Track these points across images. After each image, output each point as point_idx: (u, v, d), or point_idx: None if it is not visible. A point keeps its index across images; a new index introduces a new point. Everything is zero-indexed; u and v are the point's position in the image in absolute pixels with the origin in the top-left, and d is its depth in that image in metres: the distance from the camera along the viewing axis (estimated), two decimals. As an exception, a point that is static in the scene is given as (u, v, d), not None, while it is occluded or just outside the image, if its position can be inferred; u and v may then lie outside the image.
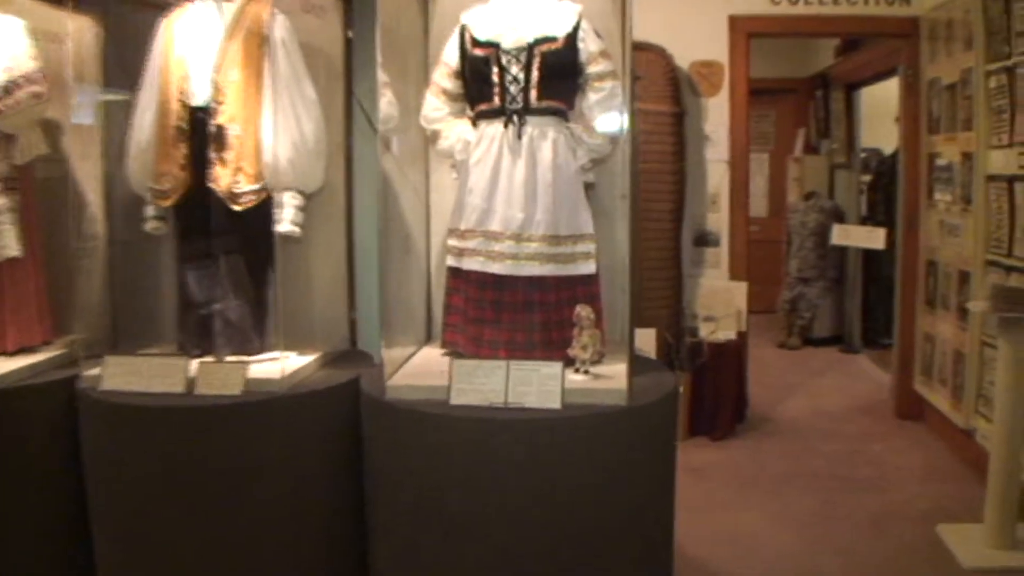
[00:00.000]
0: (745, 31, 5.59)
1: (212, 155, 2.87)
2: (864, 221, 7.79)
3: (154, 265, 3.21)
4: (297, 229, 2.95)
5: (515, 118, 2.77)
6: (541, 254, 2.75)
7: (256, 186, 2.89)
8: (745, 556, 3.87)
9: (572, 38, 2.80)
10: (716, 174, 5.66)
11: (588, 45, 2.81)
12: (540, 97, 2.78)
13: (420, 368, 2.88)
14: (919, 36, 5.59)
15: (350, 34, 3.32)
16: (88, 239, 3.31)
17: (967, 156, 4.87)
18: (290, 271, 3.07)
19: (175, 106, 2.90)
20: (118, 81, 3.14)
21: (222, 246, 2.99)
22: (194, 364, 2.80)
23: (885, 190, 7.56)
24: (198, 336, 3.01)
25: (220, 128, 2.86)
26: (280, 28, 2.94)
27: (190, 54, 2.92)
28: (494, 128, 2.80)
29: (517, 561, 2.46)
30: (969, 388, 4.78)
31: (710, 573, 3.69)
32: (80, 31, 3.24)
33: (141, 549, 2.73)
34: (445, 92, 2.94)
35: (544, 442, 2.43)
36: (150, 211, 3.01)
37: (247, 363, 2.83)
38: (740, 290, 5.60)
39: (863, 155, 8.22)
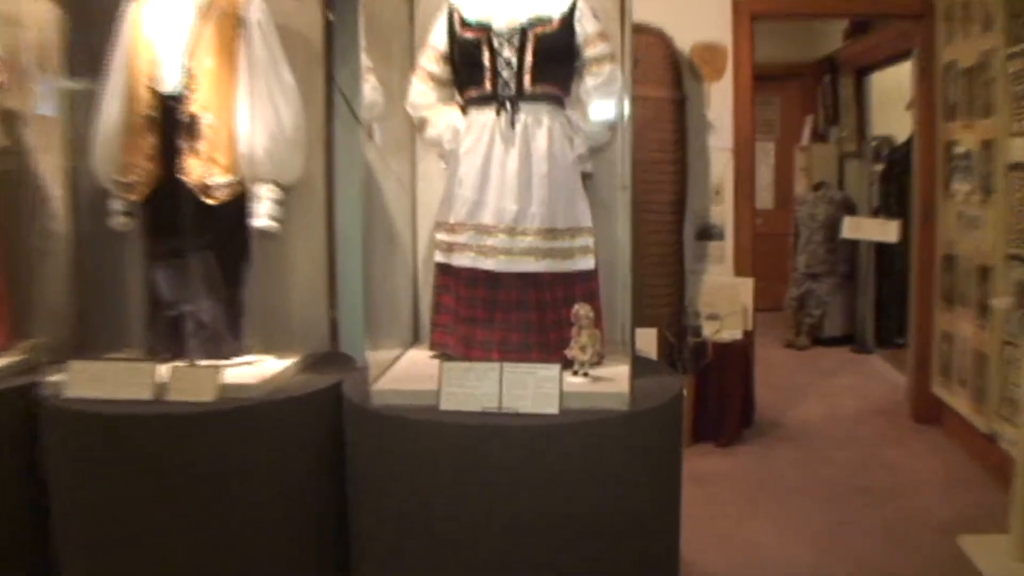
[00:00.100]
0: (749, 12, 5.58)
1: (183, 145, 2.86)
2: (876, 213, 7.81)
3: (121, 263, 3.19)
4: (274, 224, 2.94)
5: (508, 104, 2.76)
6: (536, 249, 2.74)
7: (230, 178, 2.88)
8: (754, 570, 3.86)
9: (568, 19, 2.79)
10: (719, 163, 5.65)
11: (585, 26, 2.81)
12: (534, 82, 2.77)
13: (407, 372, 2.87)
14: (934, 16, 5.59)
15: (330, 16, 3.30)
16: (50, 237, 3.28)
17: (987, 144, 4.88)
18: (267, 269, 3.07)
19: (144, 93, 2.88)
20: (83, 68, 3.11)
21: (194, 242, 2.97)
22: (164, 369, 2.78)
23: (898, 180, 7.56)
24: (168, 339, 2.99)
25: (192, 116, 2.85)
26: (256, 9, 2.93)
27: (159, 38, 2.90)
28: (485, 115, 2.79)
29: (512, 577, 2.45)
30: (991, 390, 4.79)
31: (717, 588, 3.70)
32: (41, 15, 3.22)
33: (109, 563, 2.71)
34: (432, 77, 2.94)
35: (540, 450, 2.42)
36: (117, 206, 2.99)
37: (221, 367, 2.81)
38: (746, 286, 5.60)
39: (874, 143, 8.24)
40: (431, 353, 3.00)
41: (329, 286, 3.41)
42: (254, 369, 2.88)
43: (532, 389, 2.48)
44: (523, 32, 2.76)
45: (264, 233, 2.95)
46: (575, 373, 2.65)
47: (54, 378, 2.82)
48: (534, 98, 2.78)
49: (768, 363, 6.83)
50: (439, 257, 2.93)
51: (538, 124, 2.77)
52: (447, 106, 2.95)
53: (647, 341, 4.75)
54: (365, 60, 2.75)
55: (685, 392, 2.78)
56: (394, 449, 2.52)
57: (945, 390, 5.54)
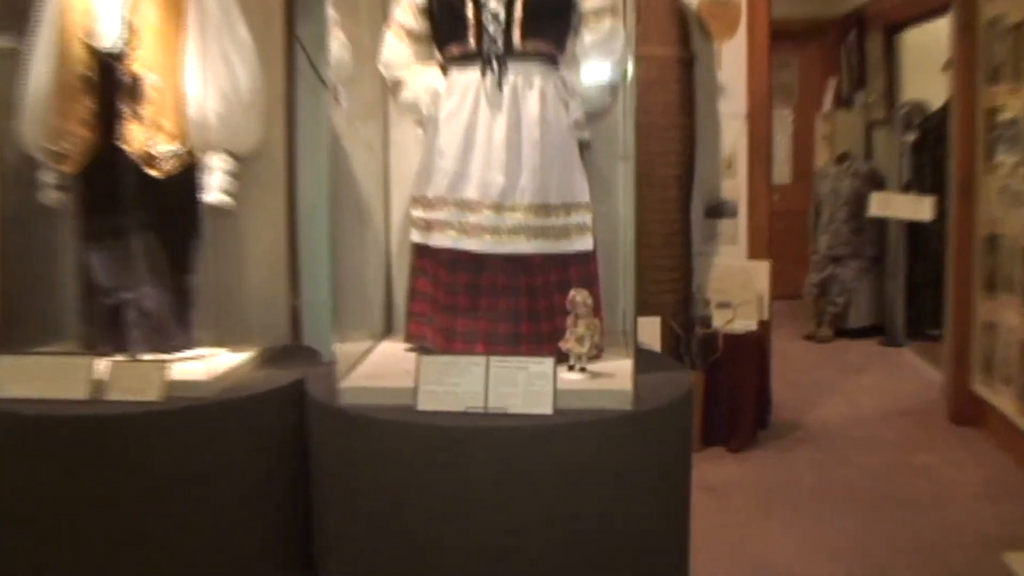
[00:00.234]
0: (765, -39, 5.59)
1: (124, 109, 2.85)
2: (907, 188, 7.83)
3: (53, 244, 3.18)
4: (228, 199, 2.94)
5: (494, 63, 2.75)
6: (527, 227, 2.74)
7: (178, 147, 2.88)
8: (771, 590, 3.88)
9: (563, -34, 2.79)
10: (731, 132, 5.66)
11: (582, -25, 2.81)
12: (524, 38, 2.76)
13: (379, 367, 2.87)
14: (975, -35, 5.61)
15: (292, -38, 3.30)
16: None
17: (1035, 110, 4.89)
18: (220, 250, 3.06)
19: (78, 50, 2.87)
20: (5, 24, 3.09)
21: (136, 220, 2.96)
22: (102, 364, 2.77)
23: (932, 151, 7.59)
24: (107, 331, 2.99)
25: (134, 76, 2.84)
26: (206, -46, 2.92)
27: (96, -14, 2.89)
28: (468, 76, 2.78)
29: (500, 599, 2.46)
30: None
31: (729, 611, 3.71)
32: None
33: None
34: (409, 32, 2.93)
35: (532, 455, 2.41)
36: (48, 178, 2.97)
37: (167, 363, 2.80)
38: (761, 271, 5.61)
39: (905, 109, 8.23)
40: (407, 346, 3.00)
41: (290, 270, 3.41)
42: (205, 364, 2.87)
43: (522, 387, 2.47)
44: (512, -19, 2.76)
45: (216, 209, 2.94)
46: (571, 368, 2.65)
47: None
48: (524, 56, 2.77)
49: (786, 357, 6.86)
50: (416, 237, 2.92)
51: (529, 86, 2.76)
52: (425, 65, 2.94)
53: (650, 332, 4.75)
54: (331, 13, 2.73)
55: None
56: (365, 456, 2.51)
57: (986, 388, 5.56)
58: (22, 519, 2.68)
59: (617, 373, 2.66)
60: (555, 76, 2.83)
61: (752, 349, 5.53)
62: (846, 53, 8.92)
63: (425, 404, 2.49)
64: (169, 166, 2.87)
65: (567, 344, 2.65)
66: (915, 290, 7.87)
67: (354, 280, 3.02)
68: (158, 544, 2.67)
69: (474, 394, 2.48)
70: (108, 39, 2.86)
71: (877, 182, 7.98)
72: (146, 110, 2.84)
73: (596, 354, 2.74)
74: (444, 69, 2.89)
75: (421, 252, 2.92)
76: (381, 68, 2.99)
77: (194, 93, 2.87)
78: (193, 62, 2.87)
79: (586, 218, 2.83)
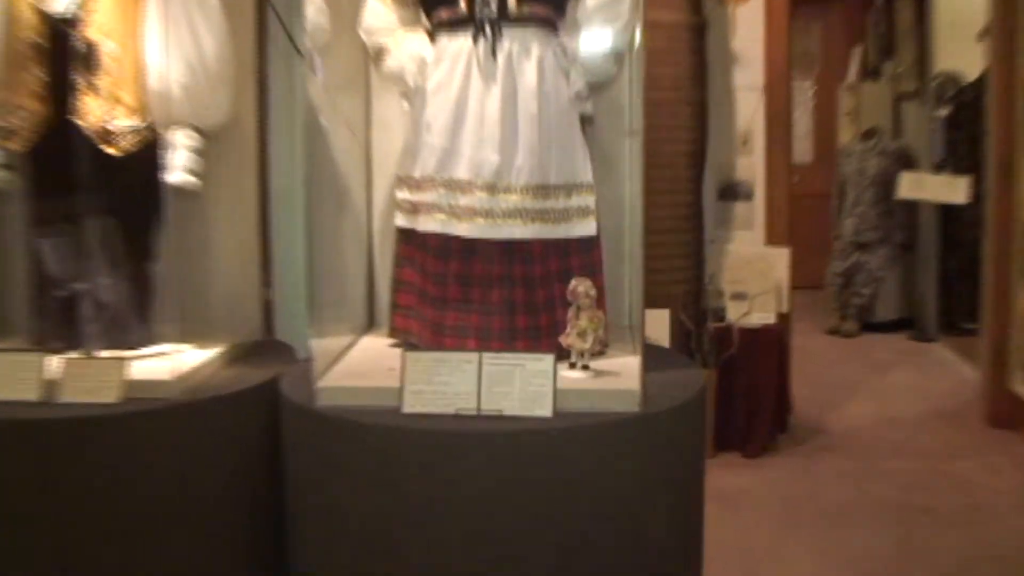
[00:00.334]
0: (785, -84, 5.60)
1: (78, 81, 2.85)
2: (940, 168, 7.84)
3: (-1, 230, 3.17)
4: (193, 179, 2.94)
5: (487, 29, 2.74)
6: (523, 210, 2.73)
7: (137, 122, 2.88)
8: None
9: (563, -79, 2.79)
10: (747, 106, 5.67)
11: (584, -69, 2.81)
12: (521, 1, 2.75)
13: (361, 365, 2.87)
14: (1016, -78, 5.61)
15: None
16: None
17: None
18: (184, 236, 3.06)
19: (27, 15, 2.87)
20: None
21: (92, 204, 2.95)
22: (55, 362, 2.76)
23: (968, 127, 7.61)
24: (60, 325, 2.99)
25: (89, 44, 2.84)
26: (168, -92, 2.91)
27: (45, -57, 2.89)
28: (459, 43, 2.77)
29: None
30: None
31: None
32: None
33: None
34: (393, -6, 2.93)
35: (530, 461, 2.41)
36: (-6, 157, 2.98)
37: (126, 360, 2.79)
38: (780, 258, 5.62)
39: (938, 81, 8.24)
40: (391, 341, 3.01)
41: (262, 258, 3.42)
42: (168, 362, 2.86)
43: (518, 386, 2.47)
44: (507, -63, 2.75)
45: (180, 191, 2.93)
46: (572, 366, 2.65)
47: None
48: (521, 21, 2.76)
49: (807, 354, 6.88)
50: (401, 221, 2.92)
51: (526, 54, 2.76)
52: (411, 31, 2.94)
53: (658, 326, 4.77)
54: (307, -27, 2.74)
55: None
56: (345, 463, 2.51)
57: (1028, 387, 5.58)
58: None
59: (623, 371, 2.67)
60: (554, 43, 2.82)
61: (770, 345, 5.54)
62: (873, 19, 8.94)
63: (411, 406, 2.48)
64: (128, 143, 2.87)
65: (568, 339, 2.65)
66: (948, 280, 7.90)
67: (332, 269, 3.02)
68: (113, 559, 2.66)
69: (466, 395, 2.47)
70: (60, 3, 2.86)
71: (907, 161, 8.00)
72: (102, 81, 2.84)
73: (600, 350, 2.75)
74: (432, 35, 2.88)
75: (407, 238, 2.92)
76: (362, 34, 2.99)
77: (155, 63, 2.87)
78: (154, 28, 2.87)
79: (588, 200, 2.83)
